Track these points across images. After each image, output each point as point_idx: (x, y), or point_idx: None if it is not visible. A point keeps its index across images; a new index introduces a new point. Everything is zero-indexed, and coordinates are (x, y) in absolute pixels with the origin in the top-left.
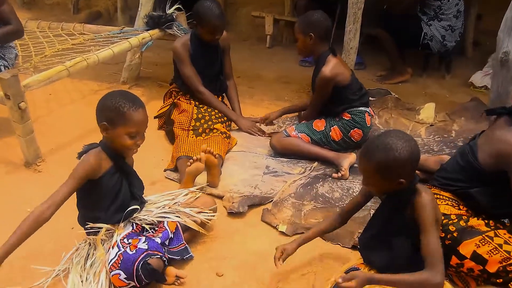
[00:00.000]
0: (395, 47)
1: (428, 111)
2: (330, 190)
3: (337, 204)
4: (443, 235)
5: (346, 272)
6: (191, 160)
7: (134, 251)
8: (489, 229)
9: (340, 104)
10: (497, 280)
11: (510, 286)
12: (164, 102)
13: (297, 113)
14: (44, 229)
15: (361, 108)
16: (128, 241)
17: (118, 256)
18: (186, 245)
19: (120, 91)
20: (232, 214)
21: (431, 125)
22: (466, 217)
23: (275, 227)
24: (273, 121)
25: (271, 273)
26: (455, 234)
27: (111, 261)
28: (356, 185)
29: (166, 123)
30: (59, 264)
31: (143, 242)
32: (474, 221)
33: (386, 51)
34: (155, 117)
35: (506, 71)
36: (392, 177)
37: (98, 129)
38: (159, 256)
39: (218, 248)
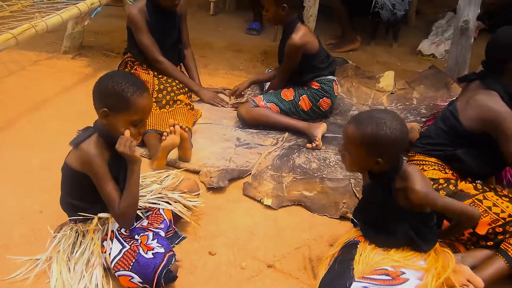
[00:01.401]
0: (347, 15)
1: (387, 80)
2: (307, 161)
3: (315, 174)
4: None
5: (346, 244)
6: (165, 134)
7: (151, 256)
8: (477, 192)
9: (309, 73)
10: (488, 243)
11: (501, 247)
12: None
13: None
14: (10, 214)
15: (329, 77)
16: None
17: (127, 256)
18: (176, 229)
19: (121, 71)
20: (213, 189)
21: (391, 93)
22: (454, 181)
23: (259, 201)
24: (241, 92)
25: (264, 249)
26: None
27: (114, 258)
28: (331, 155)
29: None
30: (41, 253)
31: (156, 242)
32: (463, 185)
33: (338, 20)
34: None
35: (465, 40)
36: (374, 153)
37: (49, 104)
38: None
39: (205, 226)
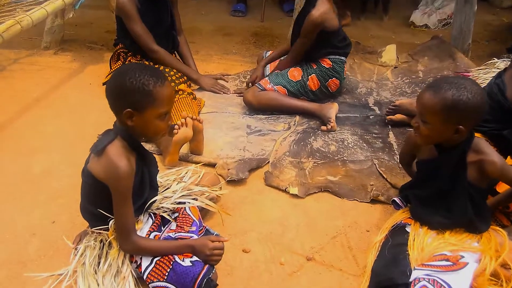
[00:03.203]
0: None
1: (390, 54)
2: (324, 144)
3: (336, 157)
4: None
5: (393, 228)
6: (176, 127)
7: (190, 263)
8: None
9: (324, 48)
10: None
11: None
12: (111, 67)
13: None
14: (20, 229)
15: (343, 58)
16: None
17: (160, 265)
18: (207, 227)
19: (133, 64)
20: (233, 182)
21: (395, 67)
22: None
23: (284, 190)
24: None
25: (300, 241)
26: None
27: (146, 268)
28: (348, 136)
29: None
30: (62, 268)
31: None
32: (508, 160)
33: None
34: (104, 84)
35: (469, 7)
36: (454, 120)
37: (41, 104)
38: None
39: (233, 222)
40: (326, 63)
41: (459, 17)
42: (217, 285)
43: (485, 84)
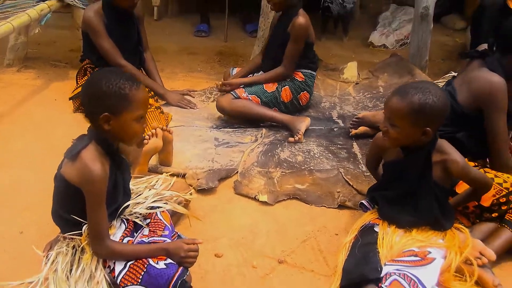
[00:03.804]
0: None
1: (351, 70)
2: (291, 155)
3: (302, 167)
4: None
5: (362, 228)
6: (146, 137)
7: (164, 266)
8: (479, 167)
9: (300, 60)
10: (492, 215)
11: (507, 218)
12: (77, 82)
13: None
14: None
15: (314, 73)
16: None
17: (133, 269)
18: (178, 233)
19: (107, 69)
20: (203, 191)
21: (356, 83)
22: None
23: (253, 198)
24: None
25: (271, 246)
26: None
27: (120, 272)
28: (314, 147)
29: None
30: (33, 276)
31: None
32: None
33: None
34: (70, 98)
35: (426, 25)
36: (421, 122)
37: (5, 121)
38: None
39: (204, 229)
40: (299, 76)
41: (416, 35)
42: (191, 287)
43: None
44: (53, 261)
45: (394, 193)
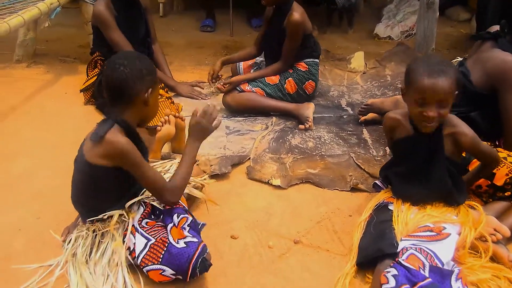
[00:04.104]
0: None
1: (358, 60)
2: (302, 141)
3: (314, 153)
4: None
5: (377, 207)
6: (159, 124)
7: (184, 245)
8: (491, 146)
9: (300, 51)
10: (505, 194)
11: None
12: (88, 74)
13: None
14: (4, 227)
15: (316, 60)
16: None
17: (154, 249)
18: (193, 216)
19: (121, 54)
20: (217, 176)
21: (363, 73)
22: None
23: (266, 183)
24: (218, 73)
25: (286, 227)
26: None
27: (140, 253)
28: (324, 133)
29: (96, 96)
30: (53, 259)
31: (187, 231)
32: None
33: None
34: (81, 91)
35: (432, 13)
36: (457, 87)
37: (17, 113)
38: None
39: (219, 213)
40: (302, 66)
41: (422, 23)
42: (211, 264)
43: None
44: (73, 245)
45: (406, 169)
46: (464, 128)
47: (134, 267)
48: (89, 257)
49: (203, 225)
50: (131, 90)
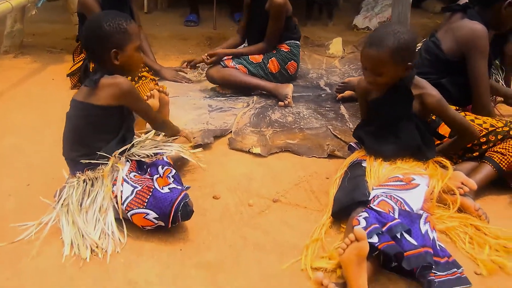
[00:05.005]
0: None
1: (336, 46)
2: (282, 116)
3: (293, 126)
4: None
5: (351, 164)
6: (145, 98)
7: (168, 190)
8: (460, 110)
9: (283, 33)
10: (473, 154)
11: (487, 155)
12: (74, 60)
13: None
14: None
15: (298, 42)
16: (135, 177)
17: (140, 194)
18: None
19: (101, 13)
20: (199, 147)
21: (341, 58)
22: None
23: (247, 152)
24: (196, 64)
25: (266, 189)
26: (433, 117)
27: (126, 199)
28: (303, 109)
29: (82, 80)
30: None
31: (172, 181)
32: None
33: None
34: (68, 75)
35: None
36: (403, 60)
37: (5, 97)
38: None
39: (202, 177)
40: (284, 47)
41: (397, 9)
42: (193, 211)
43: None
44: (66, 195)
45: (378, 127)
46: (431, 90)
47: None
48: (81, 206)
49: (187, 188)
50: (93, 53)
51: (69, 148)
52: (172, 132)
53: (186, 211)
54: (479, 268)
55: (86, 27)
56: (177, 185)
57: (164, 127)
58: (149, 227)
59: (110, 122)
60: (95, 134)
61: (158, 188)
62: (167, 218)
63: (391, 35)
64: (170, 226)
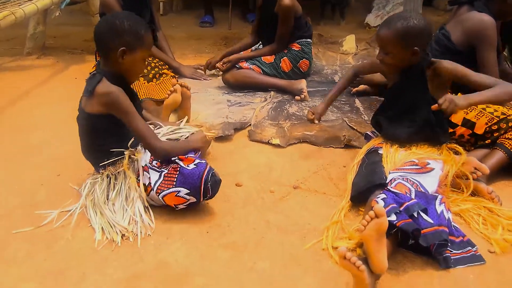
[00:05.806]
0: None
1: (349, 43)
2: (299, 109)
3: None
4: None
5: (368, 151)
6: (168, 93)
7: (194, 166)
8: None
9: (293, 32)
10: (486, 142)
11: (498, 142)
12: (96, 59)
13: None
14: (28, 182)
15: (309, 40)
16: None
17: (168, 176)
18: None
19: (120, 12)
20: (220, 138)
21: (355, 54)
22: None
23: (267, 143)
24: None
25: (286, 177)
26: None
27: (156, 183)
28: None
29: None
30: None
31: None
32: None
33: None
34: (91, 73)
35: None
36: (409, 44)
37: (31, 94)
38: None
39: (223, 166)
40: (296, 46)
41: (408, 6)
42: (221, 180)
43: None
44: (90, 190)
45: (395, 112)
46: (443, 61)
47: (148, 207)
48: (107, 199)
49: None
50: (103, 44)
51: (85, 150)
52: (182, 149)
53: (215, 181)
54: (493, 247)
55: (106, 18)
56: (201, 160)
57: (167, 154)
58: (181, 205)
59: (113, 126)
60: (103, 138)
61: (184, 166)
62: (198, 191)
63: (402, 19)
64: (202, 200)
